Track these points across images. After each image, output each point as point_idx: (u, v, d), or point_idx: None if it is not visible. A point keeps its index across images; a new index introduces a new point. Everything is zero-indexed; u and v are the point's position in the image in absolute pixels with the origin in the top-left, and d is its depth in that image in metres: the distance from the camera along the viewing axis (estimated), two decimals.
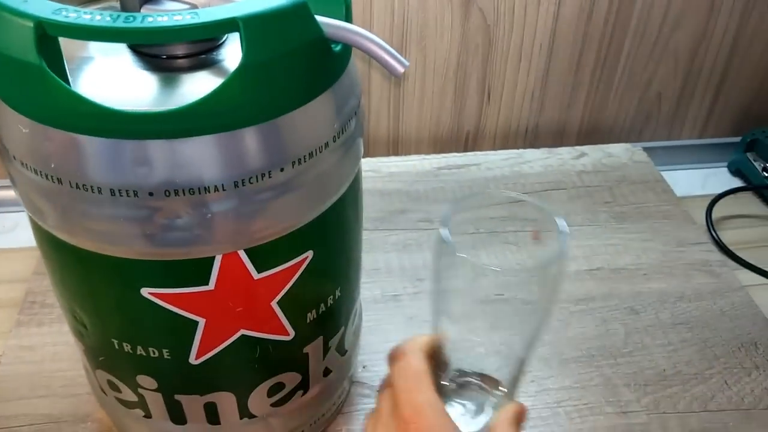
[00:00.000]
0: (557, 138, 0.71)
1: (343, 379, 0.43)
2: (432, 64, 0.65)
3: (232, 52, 0.31)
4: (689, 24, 0.65)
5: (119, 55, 0.31)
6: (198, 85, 0.29)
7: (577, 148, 0.67)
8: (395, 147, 0.70)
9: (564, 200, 0.62)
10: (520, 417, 0.34)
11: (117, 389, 0.36)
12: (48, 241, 0.32)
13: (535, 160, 0.66)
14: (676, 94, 0.70)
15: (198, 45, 0.31)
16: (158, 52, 0.30)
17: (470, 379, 0.41)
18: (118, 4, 0.34)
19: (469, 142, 0.71)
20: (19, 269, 0.56)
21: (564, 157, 0.66)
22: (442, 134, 0.70)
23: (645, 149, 0.68)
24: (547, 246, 0.34)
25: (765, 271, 0.56)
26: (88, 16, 0.25)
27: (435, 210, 0.60)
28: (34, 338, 0.48)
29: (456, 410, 0.42)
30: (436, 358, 0.39)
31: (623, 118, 0.71)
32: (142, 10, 0.29)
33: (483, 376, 0.41)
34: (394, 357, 0.34)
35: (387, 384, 0.35)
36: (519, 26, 0.63)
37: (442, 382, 0.41)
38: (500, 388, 0.40)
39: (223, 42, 0.32)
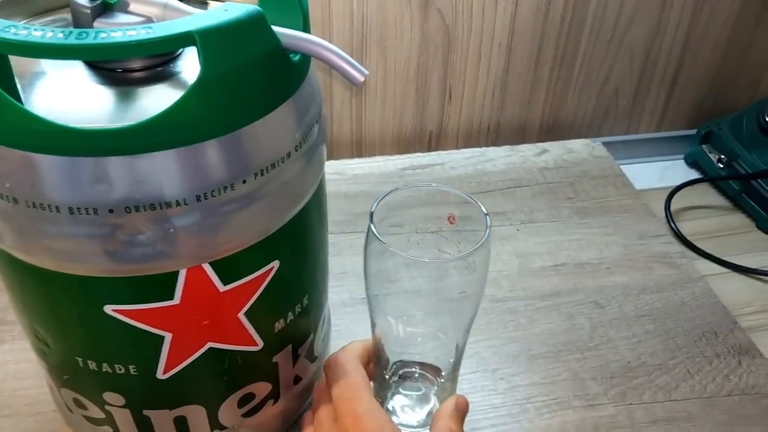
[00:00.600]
0: (519, 135, 0.72)
1: (314, 385, 0.43)
2: (393, 65, 0.65)
3: (188, 64, 0.31)
4: (643, 20, 0.67)
5: (73, 68, 0.30)
6: (155, 99, 0.29)
7: (539, 144, 0.68)
8: (359, 148, 0.70)
9: (527, 197, 0.62)
10: (461, 409, 0.35)
11: (83, 407, 0.36)
12: (5, 261, 0.31)
13: (498, 158, 0.67)
14: (633, 89, 0.71)
15: (154, 58, 0.30)
16: (113, 66, 0.30)
17: (412, 369, 0.42)
18: (69, 16, 0.34)
19: (432, 142, 0.71)
20: None
21: (526, 154, 0.67)
22: (405, 134, 0.70)
23: (604, 144, 0.69)
24: (475, 234, 0.35)
25: (723, 260, 0.58)
26: (38, 33, 0.24)
27: (400, 212, 0.60)
28: None
29: (401, 401, 0.42)
30: (376, 358, 0.40)
31: (582, 114, 0.72)
32: (95, 24, 0.29)
33: (424, 365, 0.42)
34: (330, 367, 0.35)
35: (323, 391, 0.35)
36: (477, 26, 0.64)
37: (385, 375, 0.41)
38: (441, 375, 0.41)
39: (180, 54, 0.31)
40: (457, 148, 0.71)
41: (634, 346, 0.49)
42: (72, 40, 0.24)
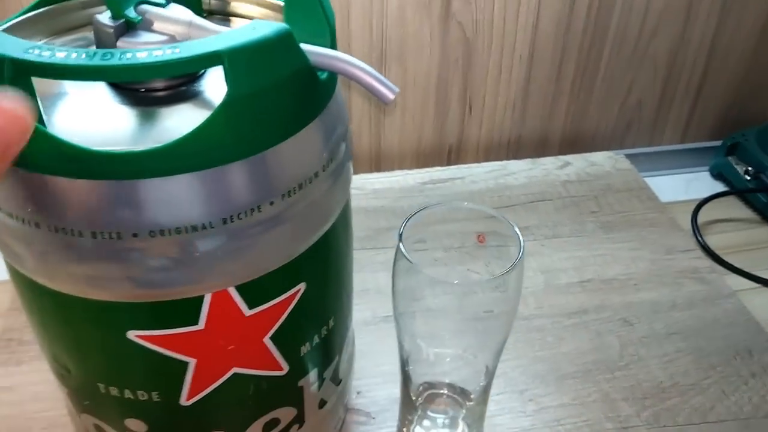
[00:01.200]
0: (540, 148, 0.71)
1: (338, 408, 0.42)
2: (412, 78, 0.64)
3: (213, 83, 0.30)
4: (667, 31, 0.65)
5: (94, 88, 0.29)
6: (179, 120, 0.28)
7: (561, 157, 0.67)
8: (377, 163, 0.69)
9: (550, 211, 0.61)
10: None
11: None
12: (26, 285, 0.30)
13: (519, 171, 0.66)
14: (656, 101, 0.70)
15: (179, 77, 0.30)
16: (137, 86, 0.29)
17: (439, 392, 0.41)
18: (90, 35, 0.33)
19: (452, 156, 0.70)
20: None
21: (548, 167, 0.66)
22: (424, 148, 0.69)
23: (627, 156, 0.68)
24: (509, 254, 0.34)
25: (753, 275, 0.56)
26: (62, 54, 0.24)
27: (421, 227, 0.59)
28: (14, 378, 0.46)
29: (428, 425, 0.41)
30: (403, 379, 0.39)
31: (605, 125, 0.71)
32: (118, 44, 0.28)
33: (452, 388, 0.41)
34: None
35: None
36: (498, 39, 0.63)
37: (411, 398, 0.40)
38: (470, 398, 0.40)
39: (203, 73, 0.31)
40: (477, 161, 0.69)
41: (666, 365, 0.48)
42: (97, 62, 0.23)
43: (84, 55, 0.23)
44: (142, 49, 0.24)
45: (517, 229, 0.34)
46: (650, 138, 0.73)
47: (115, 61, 0.23)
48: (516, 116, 0.68)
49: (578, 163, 0.67)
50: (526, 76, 0.66)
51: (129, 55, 0.24)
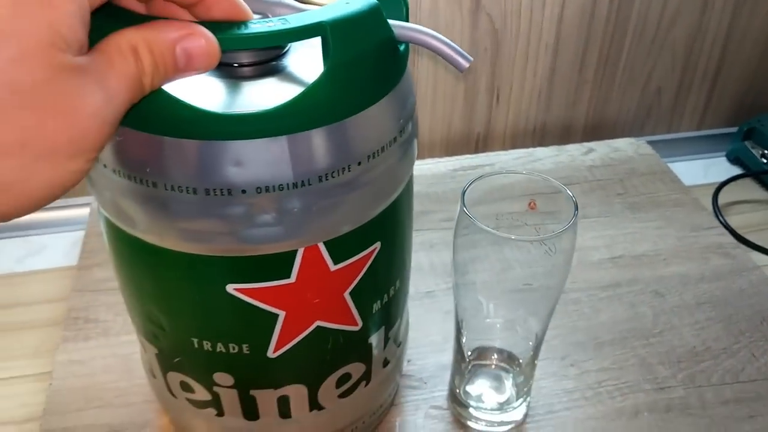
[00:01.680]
0: (564, 135, 0.74)
1: (397, 370, 0.44)
2: (443, 69, 0.67)
3: (291, 60, 0.33)
4: (685, 20, 0.69)
5: None
6: (270, 91, 0.31)
7: (585, 144, 0.70)
8: None
9: (578, 194, 0.64)
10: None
11: (190, 390, 0.37)
12: (130, 246, 0.33)
13: (546, 157, 0.69)
14: (675, 88, 0.73)
15: (266, 53, 0.32)
16: (230, 61, 0.32)
17: (490, 357, 0.44)
18: None
19: (479, 144, 0.73)
20: (50, 289, 0.57)
21: (573, 153, 0.69)
22: (453, 137, 0.72)
23: (648, 142, 0.71)
24: (559, 221, 0.37)
25: None
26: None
27: (455, 209, 0.62)
28: (83, 352, 0.49)
29: (478, 387, 0.44)
30: (455, 344, 0.42)
31: (626, 112, 0.74)
32: None
33: (501, 352, 0.43)
34: None
35: None
36: (525, 29, 0.66)
37: (464, 360, 0.43)
38: (519, 363, 0.43)
39: (285, 53, 0.33)
40: (504, 149, 0.72)
41: (698, 332, 0.51)
42: (226, 32, 0.26)
43: (214, 29, 0.26)
44: (257, 21, 0.27)
45: (570, 192, 0.37)
46: (669, 124, 0.76)
47: (237, 31, 0.26)
48: (541, 104, 0.71)
49: (602, 149, 0.70)
50: (551, 65, 0.69)
51: (245, 26, 0.26)
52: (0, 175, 0.21)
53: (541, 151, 0.69)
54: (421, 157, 0.72)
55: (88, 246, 0.59)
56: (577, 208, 0.36)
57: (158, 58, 0.24)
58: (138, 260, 0.33)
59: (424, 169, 0.67)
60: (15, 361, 0.51)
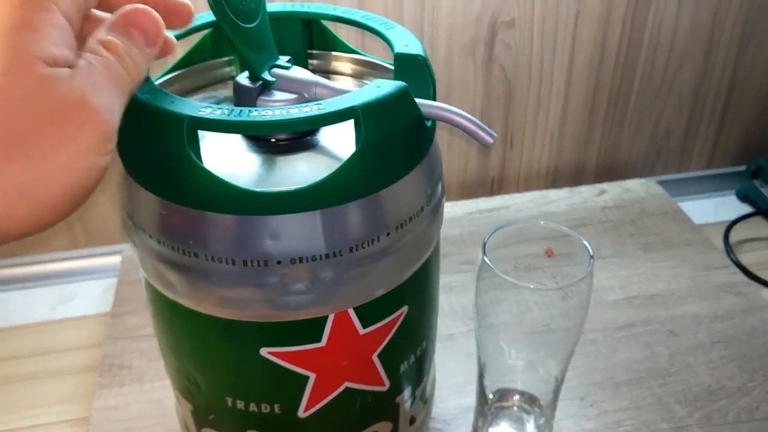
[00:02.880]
0: (576, 177, 0.76)
1: (424, 426, 0.45)
2: None
3: (324, 134, 0.35)
4: (690, 65, 0.71)
5: (231, 139, 0.34)
6: (303, 164, 0.33)
7: (597, 185, 0.72)
8: None
9: (592, 235, 0.66)
10: (128, 17, 0.28)
11: None
12: (170, 310, 0.35)
13: (560, 199, 0.70)
14: (683, 130, 0.75)
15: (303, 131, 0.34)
16: (268, 136, 0.34)
17: (511, 398, 0.45)
18: (218, 93, 0.39)
19: (494, 186, 0.75)
20: (83, 336, 0.59)
21: (586, 194, 0.71)
22: (469, 180, 0.74)
23: (658, 182, 0.72)
24: (575, 269, 0.38)
25: None
26: (221, 112, 0.28)
27: (473, 252, 0.64)
28: (118, 398, 0.51)
29: (501, 429, 0.45)
30: (478, 386, 0.43)
31: (636, 154, 0.76)
32: (258, 102, 0.33)
33: (523, 394, 0.45)
34: None
35: None
36: (536, 77, 0.68)
37: (486, 402, 0.44)
38: (539, 404, 0.44)
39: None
40: (518, 191, 0.74)
41: (713, 371, 0.52)
42: (265, 117, 0.28)
43: (255, 113, 0.28)
44: (293, 106, 0.29)
45: (586, 242, 0.39)
46: (679, 164, 0.78)
47: (274, 117, 0.28)
48: (554, 148, 0.73)
49: (613, 190, 0.71)
50: (562, 110, 0.71)
51: (284, 111, 0.29)
52: (10, 181, 0.23)
53: (554, 193, 0.71)
54: None
55: (120, 294, 0.61)
56: (592, 257, 0.38)
57: (123, 35, 0.27)
58: (177, 323, 0.35)
59: None
60: (50, 407, 0.53)
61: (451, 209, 0.70)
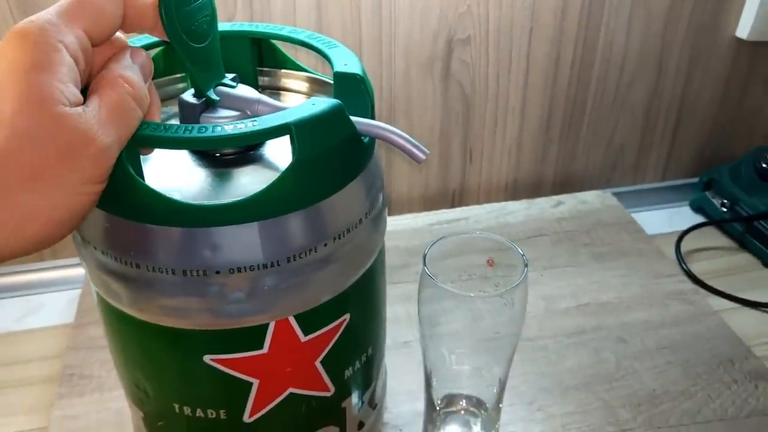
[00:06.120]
0: (534, 190, 0.78)
1: (374, 431, 0.47)
2: (418, 131, 0.71)
3: (270, 148, 0.37)
4: (642, 83, 0.73)
5: (176, 153, 0.36)
6: (248, 178, 0.34)
7: (554, 197, 0.74)
8: (389, 208, 0.76)
9: (547, 245, 0.68)
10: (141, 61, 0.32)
11: None
12: (117, 319, 0.36)
13: (517, 210, 0.72)
14: (637, 144, 0.78)
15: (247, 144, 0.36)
16: (212, 151, 0.36)
17: (458, 404, 0.46)
18: (168, 110, 0.40)
19: (455, 199, 0.77)
20: (48, 347, 0.60)
21: (543, 206, 0.73)
22: (430, 193, 0.76)
23: (614, 194, 0.75)
24: (515, 276, 0.40)
25: (733, 296, 0.62)
26: (168, 130, 0.30)
27: (439, 261, 0.65)
28: (77, 408, 0.52)
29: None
30: (426, 394, 0.45)
31: (592, 168, 0.78)
32: (201, 119, 0.34)
33: (470, 399, 0.46)
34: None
35: None
36: (493, 94, 0.70)
37: (435, 409, 0.46)
38: (486, 407, 0.46)
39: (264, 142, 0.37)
40: (478, 203, 0.76)
41: (658, 376, 0.53)
42: (196, 134, 0.30)
43: (193, 130, 0.30)
44: (230, 123, 0.30)
45: (519, 249, 0.40)
46: (634, 177, 0.80)
47: (209, 133, 0.30)
48: (512, 162, 0.76)
49: (570, 201, 0.73)
50: (519, 126, 0.73)
51: (219, 128, 0.30)
52: (22, 208, 0.26)
53: (512, 205, 0.73)
54: (400, 212, 0.76)
55: (83, 305, 0.62)
56: (527, 266, 0.39)
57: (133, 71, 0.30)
58: (124, 331, 0.37)
59: (403, 223, 0.71)
60: (14, 417, 0.54)
61: (413, 221, 0.71)
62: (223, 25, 0.40)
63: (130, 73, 0.30)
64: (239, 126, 0.30)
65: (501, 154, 0.75)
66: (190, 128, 0.30)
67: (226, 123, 0.31)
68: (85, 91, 0.29)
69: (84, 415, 0.51)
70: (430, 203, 0.76)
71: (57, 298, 0.66)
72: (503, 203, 0.73)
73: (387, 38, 0.66)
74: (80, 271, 0.68)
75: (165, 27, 0.31)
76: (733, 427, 0.49)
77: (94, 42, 0.29)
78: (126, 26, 0.31)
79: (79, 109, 0.27)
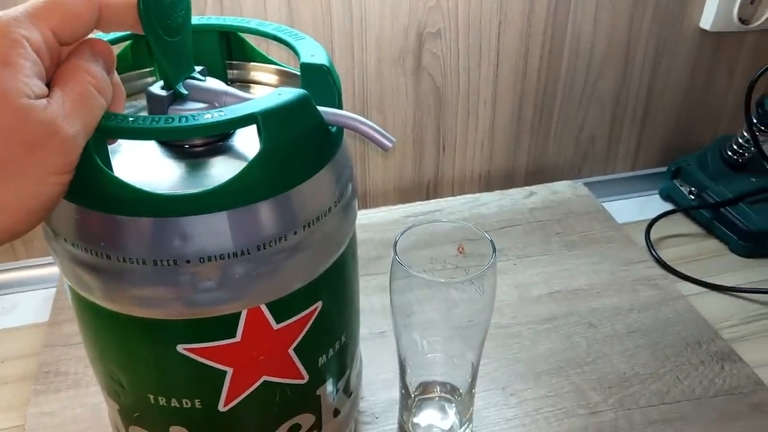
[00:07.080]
0: (507, 181, 0.79)
1: (350, 419, 0.47)
2: (391, 123, 0.72)
3: (239, 140, 0.37)
4: (609, 74, 0.75)
5: (145, 145, 0.36)
6: (217, 168, 0.35)
7: (526, 188, 0.75)
8: (364, 201, 0.77)
9: (520, 234, 0.69)
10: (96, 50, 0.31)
11: None
12: (90, 311, 0.36)
13: (491, 201, 0.73)
14: (607, 135, 0.79)
15: (215, 135, 0.36)
16: (181, 142, 0.36)
17: (433, 389, 0.47)
18: (137, 103, 0.40)
19: (430, 191, 0.78)
20: (23, 346, 0.60)
21: (515, 197, 0.74)
22: (405, 186, 0.77)
23: (585, 184, 0.76)
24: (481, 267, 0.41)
25: (701, 281, 0.64)
26: (135, 120, 0.30)
27: (412, 252, 0.66)
28: (53, 404, 0.52)
29: (425, 418, 0.48)
30: (401, 381, 0.46)
31: (563, 159, 0.79)
32: (169, 111, 0.35)
33: (444, 385, 0.47)
34: None
35: None
36: (464, 87, 0.71)
37: (410, 396, 0.47)
38: (459, 392, 0.47)
39: (233, 132, 0.38)
40: (452, 195, 0.77)
41: (627, 359, 0.55)
42: (162, 125, 0.30)
43: (160, 121, 0.30)
44: (196, 114, 0.31)
45: (488, 236, 0.41)
46: (604, 167, 0.82)
47: (176, 124, 0.30)
48: (485, 154, 0.77)
49: (542, 192, 0.75)
50: (491, 118, 0.74)
51: (185, 119, 0.31)
52: None
53: (486, 196, 0.74)
54: (375, 205, 0.77)
55: (58, 303, 0.62)
56: (494, 251, 0.40)
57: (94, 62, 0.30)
58: (97, 323, 0.37)
59: (378, 216, 0.72)
60: None
61: (388, 213, 0.72)
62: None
63: (91, 64, 0.30)
64: (206, 116, 0.31)
65: (474, 146, 0.76)
66: (157, 119, 0.30)
67: (192, 114, 0.31)
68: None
69: (60, 411, 0.51)
70: (404, 196, 0.77)
71: (32, 297, 0.66)
72: (477, 194, 0.74)
73: (358, 33, 0.66)
74: (53, 270, 0.67)
75: (143, 23, 0.32)
76: (701, 407, 0.50)
77: (64, 41, 0.30)
78: (103, 26, 0.31)
79: (44, 101, 0.27)
